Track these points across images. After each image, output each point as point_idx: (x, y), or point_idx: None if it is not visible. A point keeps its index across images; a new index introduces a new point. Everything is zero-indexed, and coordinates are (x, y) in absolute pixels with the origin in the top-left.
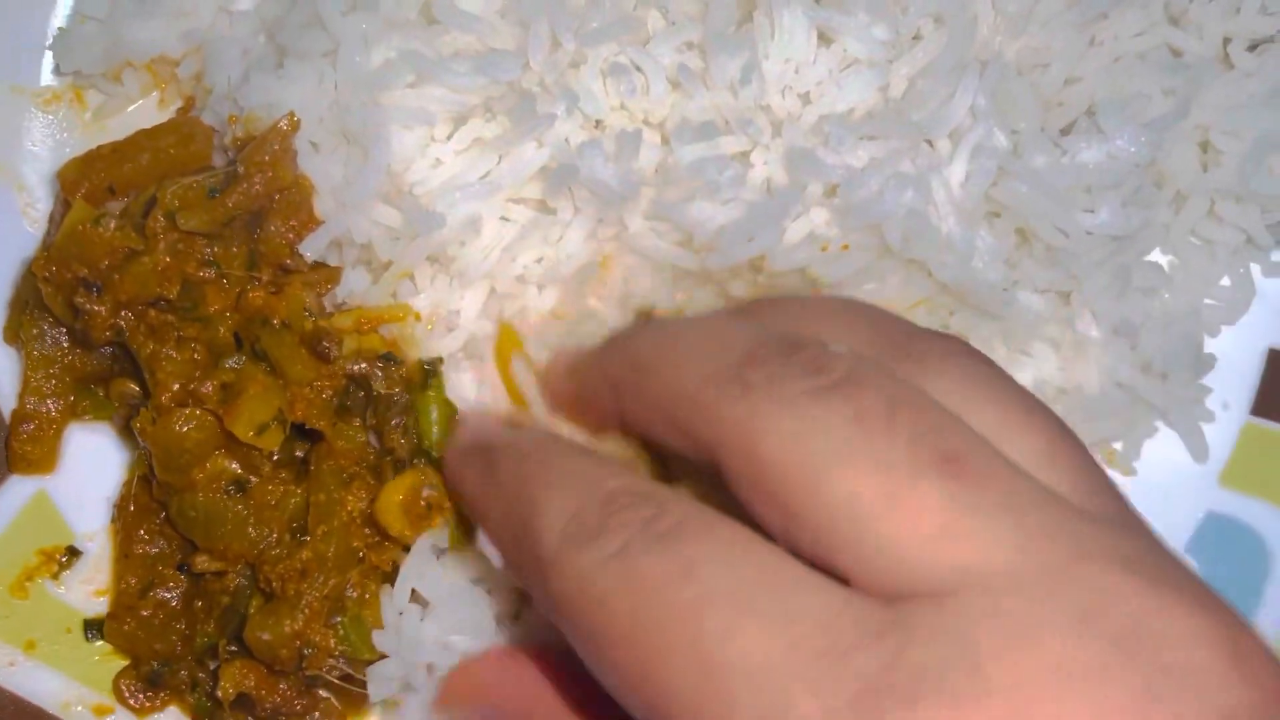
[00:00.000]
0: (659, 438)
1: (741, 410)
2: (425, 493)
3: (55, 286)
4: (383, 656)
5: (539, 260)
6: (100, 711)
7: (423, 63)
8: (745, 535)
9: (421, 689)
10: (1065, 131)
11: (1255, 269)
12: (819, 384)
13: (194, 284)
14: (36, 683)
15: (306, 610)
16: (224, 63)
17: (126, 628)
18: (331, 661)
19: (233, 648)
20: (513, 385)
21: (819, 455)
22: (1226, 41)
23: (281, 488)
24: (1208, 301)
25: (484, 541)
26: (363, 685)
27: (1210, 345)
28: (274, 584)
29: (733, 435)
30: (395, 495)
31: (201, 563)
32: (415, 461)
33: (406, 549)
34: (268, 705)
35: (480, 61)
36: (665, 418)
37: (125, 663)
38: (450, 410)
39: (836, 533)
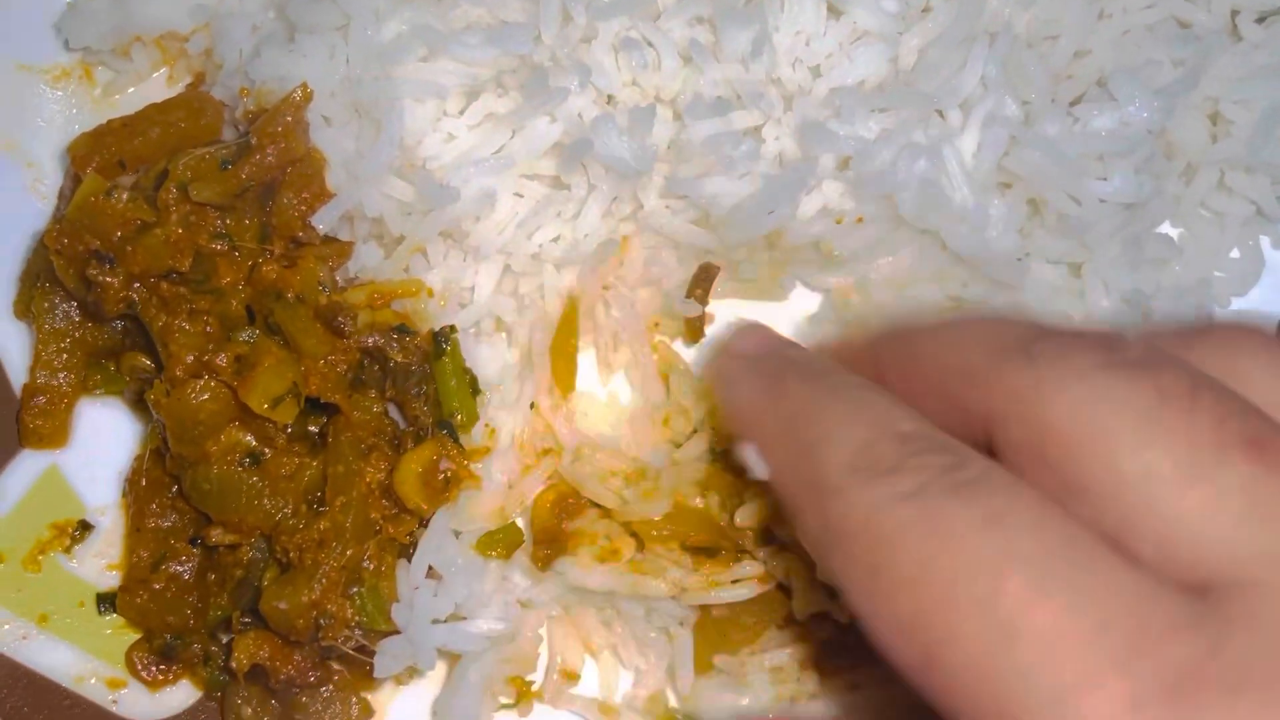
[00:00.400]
0: (927, 414)
1: (1027, 379)
2: (443, 465)
3: (67, 259)
4: (396, 631)
5: (556, 239)
6: (113, 684)
7: (434, 36)
8: (1049, 501)
9: (430, 671)
10: (1075, 103)
11: (1265, 241)
12: (1114, 359)
13: (206, 256)
14: (49, 656)
15: (324, 580)
16: (234, 38)
17: (139, 601)
18: (347, 632)
19: (246, 620)
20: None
21: (1114, 429)
22: (1235, 14)
23: (297, 460)
24: (1217, 274)
25: (750, 452)
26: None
27: (1220, 317)
28: (291, 554)
29: (1015, 403)
30: (414, 466)
31: (215, 535)
32: (437, 431)
33: (424, 521)
34: (281, 676)
35: (492, 35)
36: (937, 390)
37: (138, 636)
38: (468, 376)
39: (1128, 508)
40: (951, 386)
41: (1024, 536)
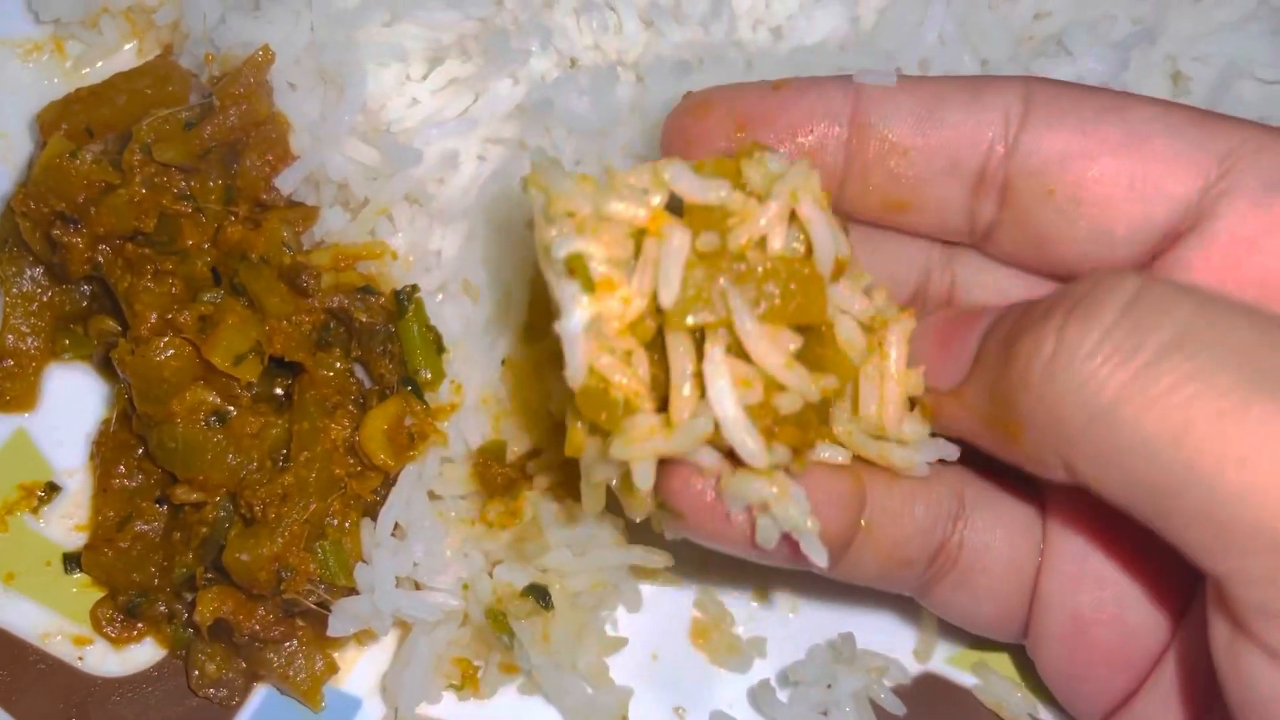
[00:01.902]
0: None
1: None
2: (408, 421)
3: (33, 221)
4: (353, 591)
5: (521, 203)
6: (79, 641)
7: (397, 1)
8: None
9: (384, 635)
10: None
11: None
12: None
13: (171, 218)
14: (16, 614)
15: (286, 534)
16: (200, 7)
17: (104, 559)
18: (309, 587)
19: (209, 576)
20: None
21: None
22: None
23: (261, 419)
24: None
25: None
26: None
27: None
28: (255, 509)
29: None
30: (379, 423)
31: (181, 494)
32: (402, 389)
33: (390, 479)
34: (245, 631)
35: None
36: None
37: (103, 594)
38: (433, 334)
39: None
40: None
41: None
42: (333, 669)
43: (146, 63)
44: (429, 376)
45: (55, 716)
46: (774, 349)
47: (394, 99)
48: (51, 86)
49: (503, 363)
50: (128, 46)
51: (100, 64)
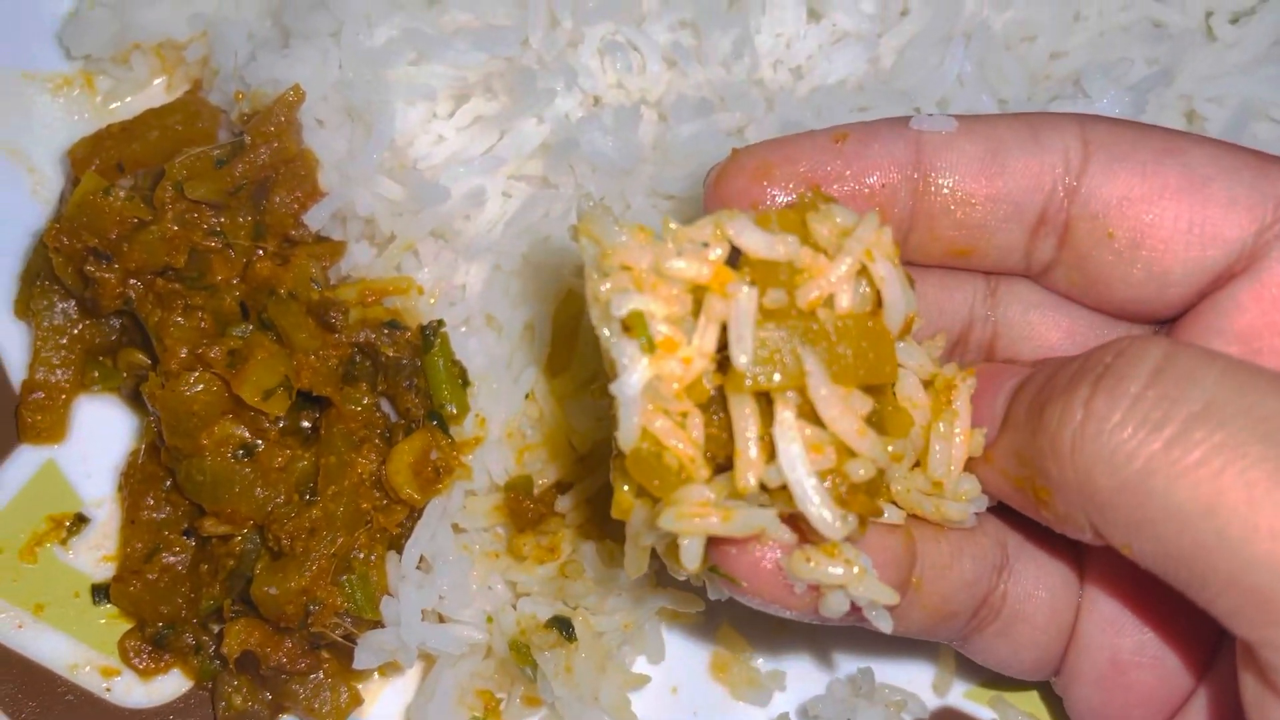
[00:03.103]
0: None
1: None
2: (433, 455)
3: (66, 256)
4: (379, 624)
5: (545, 239)
6: (106, 673)
7: (425, 40)
8: None
9: (409, 667)
10: (1052, 101)
11: None
12: None
13: (201, 254)
14: (45, 645)
15: (314, 567)
16: (230, 44)
17: (132, 590)
18: (336, 620)
19: (237, 608)
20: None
21: None
22: (1209, 15)
23: (289, 452)
24: None
25: None
26: None
27: None
28: (282, 542)
29: None
30: (405, 458)
31: (209, 526)
32: (428, 423)
33: (415, 513)
34: (271, 663)
35: (480, 39)
36: None
37: (131, 625)
38: (458, 368)
39: None
40: None
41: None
42: (357, 701)
43: (177, 99)
44: (454, 411)
45: None
46: (848, 413)
47: (421, 137)
48: (82, 121)
49: (526, 397)
50: (157, 82)
51: (130, 99)
